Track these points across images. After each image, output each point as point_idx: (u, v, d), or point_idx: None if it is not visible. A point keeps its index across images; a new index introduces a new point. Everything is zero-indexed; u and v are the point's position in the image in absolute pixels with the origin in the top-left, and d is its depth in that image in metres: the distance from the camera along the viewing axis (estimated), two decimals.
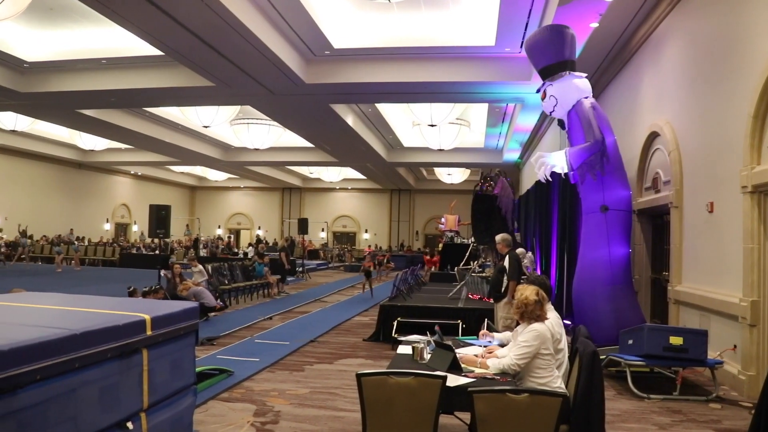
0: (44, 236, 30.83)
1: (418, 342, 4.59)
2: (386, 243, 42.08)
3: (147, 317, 4.21)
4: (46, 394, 3.33)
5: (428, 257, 25.69)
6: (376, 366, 7.18)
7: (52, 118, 22.52)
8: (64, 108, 20.03)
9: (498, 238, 8.67)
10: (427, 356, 4.47)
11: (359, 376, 3.19)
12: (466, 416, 4.99)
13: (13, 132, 24.73)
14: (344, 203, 44.28)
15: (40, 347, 3.25)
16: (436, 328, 5.24)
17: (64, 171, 33.82)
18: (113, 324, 3.89)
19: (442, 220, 25.38)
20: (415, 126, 23.44)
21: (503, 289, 8.25)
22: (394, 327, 9.65)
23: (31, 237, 29.67)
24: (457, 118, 21.34)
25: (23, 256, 27.49)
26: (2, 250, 28.47)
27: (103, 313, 4.24)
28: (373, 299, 15.94)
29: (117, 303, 5.01)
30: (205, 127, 21.77)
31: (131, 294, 9.61)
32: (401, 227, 43.14)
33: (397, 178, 36.74)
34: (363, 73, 15.43)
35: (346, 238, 44.06)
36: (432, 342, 4.81)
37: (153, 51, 14.67)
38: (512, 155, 25.64)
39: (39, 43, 16.11)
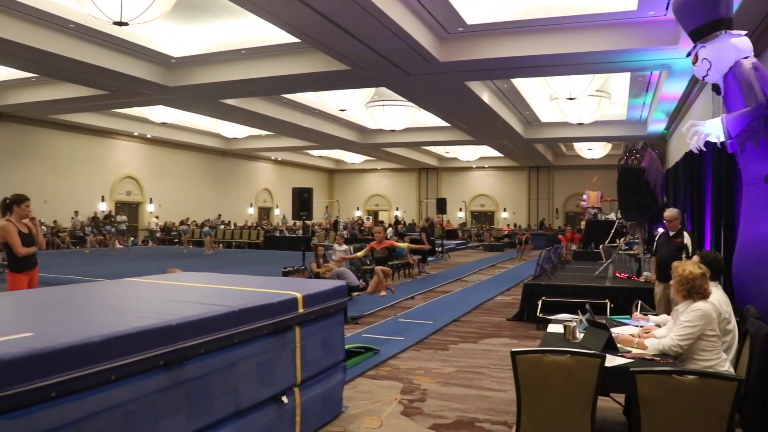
0: (194, 221, 32.66)
1: (569, 321, 4.42)
2: (525, 222, 41.34)
3: (299, 295, 4.32)
4: (209, 367, 3.49)
5: (561, 236, 24.96)
6: (521, 345, 7.03)
7: (198, 108, 23.68)
8: (208, 99, 20.99)
9: (670, 213, 8.06)
10: (579, 335, 4.31)
11: (514, 354, 3.10)
12: (621, 398, 4.81)
13: (164, 124, 26.33)
14: (481, 182, 43.85)
15: (203, 323, 3.40)
16: (587, 306, 5.03)
17: (209, 159, 35.65)
18: (268, 302, 4.02)
19: (584, 196, 24.49)
20: (552, 100, 22.75)
21: None
22: (539, 306, 9.42)
23: (190, 224, 31.50)
24: (597, 90, 20.47)
25: (186, 241, 29.08)
26: (158, 234, 30.47)
27: (258, 292, 4.39)
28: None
29: (268, 282, 5.18)
30: (342, 110, 22.14)
31: (286, 274, 9.94)
32: (540, 205, 42.19)
33: (535, 155, 35.89)
34: (498, 48, 15.10)
35: (484, 218, 43.68)
36: (584, 321, 4.63)
37: (289, 38, 15.06)
38: (657, 126, 24.31)
39: (184, 39, 16.95)
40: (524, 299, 10.00)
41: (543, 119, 27.09)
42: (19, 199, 6.76)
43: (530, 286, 10.02)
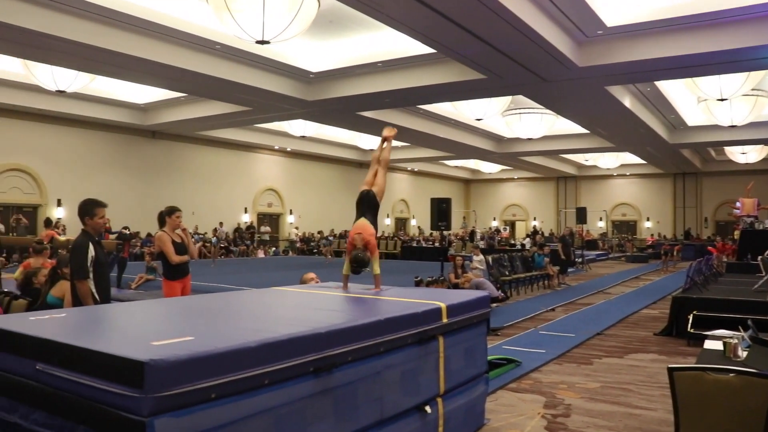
0: (332, 230, 33.49)
1: (729, 337, 4.13)
2: (670, 231, 39.34)
3: (443, 305, 4.32)
4: (356, 375, 3.55)
5: (712, 247, 23.51)
6: (671, 362, 6.69)
7: (335, 121, 24.29)
8: (345, 111, 21.48)
9: None
10: (742, 354, 4.01)
11: (671, 370, 2.93)
12: None
13: (303, 138, 27.27)
14: (623, 190, 42.18)
15: (351, 331, 3.47)
16: (749, 322, 4.70)
17: (346, 171, 36.48)
18: (413, 311, 4.04)
19: (738, 204, 23.03)
20: (701, 102, 21.48)
21: None
22: (690, 321, 8.89)
23: (329, 235, 32.37)
24: (752, 89, 19.15)
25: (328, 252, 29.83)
26: (298, 245, 31.49)
27: (402, 301, 4.43)
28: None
29: (412, 292, 5.22)
30: (478, 120, 22.04)
31: (417, 284, 10.02)
32: (687, 214, 39.97)
33: (681, 161, 34.07)
34: (640, 50, 14.46)
35: (626, 227, 41.99)
36: (746, 338, 4.32)
37: (425, 49, 15.17)
38: None
39: (321, 54, 17.46)
40: (673, 313, 9.48)
41: (690, 123, 25.69)
42: (171, 211, 7.19)
43: (680, 300, 9.49)
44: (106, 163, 24.94)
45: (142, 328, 3.70)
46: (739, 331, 4.62)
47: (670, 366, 2.97)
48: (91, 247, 5.12)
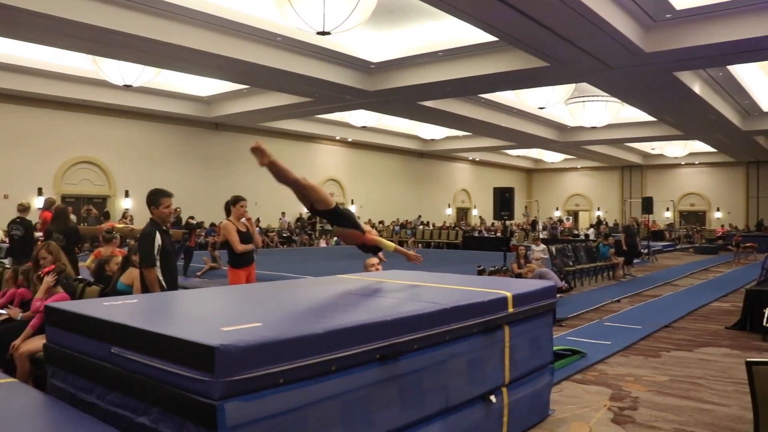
0: (393, 222, 33.59)
1: None
2: (742, 222, 38.03)
3: (509, 294, 4.28)
4: (421, 363, 3.56)
5: None
6: (744, 357, 6.45)
7: (396, 111, 24.28)
8: (406, 101, 21.46)
9: None
10: None
11: (750, 364, 2.81)
12: None
13: (363, 128, 27.38)
14: (691, 180, 40.97)
15: (417, 319, 3.47)
16: None
17: (407, 161, 36.49)
18: (478, 300, 4.02)
19: None
20: None
21: None
22: (766, 315, 8.56)
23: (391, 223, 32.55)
24: None
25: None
26: None
27: (468, 290, 4.40)
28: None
29: (477, 281, 5.19)
30: (540, 108, 21.74)
31: (480, 273, 9.97)
32: (761, 204, 38.52)
33: (755, 148, 32.78)
34: (712, 33, 13.94)
35: (694, 218, 40.80)
36: None
37: (486, 38, 15.03)
38: None
39: (382, 44, 17.46)
40: (747, 307, 9.13)
41: (765, 107, 24.72)
42: (236, 200, 7.31)
43: (754, 293, 9.16)
44: (171, 155, 25.57)
45: (210, 313, 3.79)
46: None
47: (748, 360, 2.86)
48: (157, 235, 5.24)
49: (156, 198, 5.35)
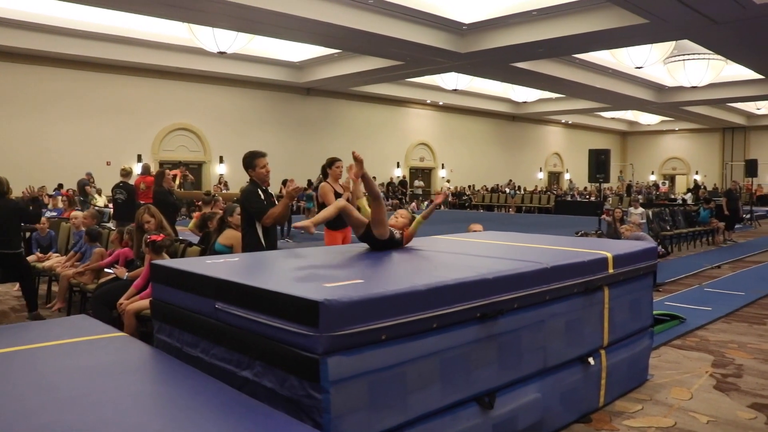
0: (484, 186, 33.33)
1: None
2: None
3: (609, 255, 4.19)
4: (521, 322, 3.55)
5: None
6: None
7: (488, 74, 23.96)
8: (498, 63, 21.12)
9: None
10: None
11: None
12: None
13: (455, 91, 27.10)
14: None
15: (517, 278, 3.45)
16: None
17: (498, 124, 35.98)
18: (579, 260, 3.96)
19: None
20: None
21: None
22: None
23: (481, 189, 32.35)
24: None
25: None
26: (450, 199, 31.63)
27: (567, 250, 4.34)
28: None
29: (576, 242, 5.11)
30: (638, 68, 20.98)
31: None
32: None
33: None
34: None
35: None
36: None
37: None
38: None
39: (474, 4, 17.19)
40: None
41: None
42: (332, 162, 7.36)
43: None
44: (264, 120, 26.12)
45: (312, 271, 3.87)
46: None
47: None
48: (260, 193, 5.37)
49: (251, 160, 5.46)
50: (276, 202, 5.55)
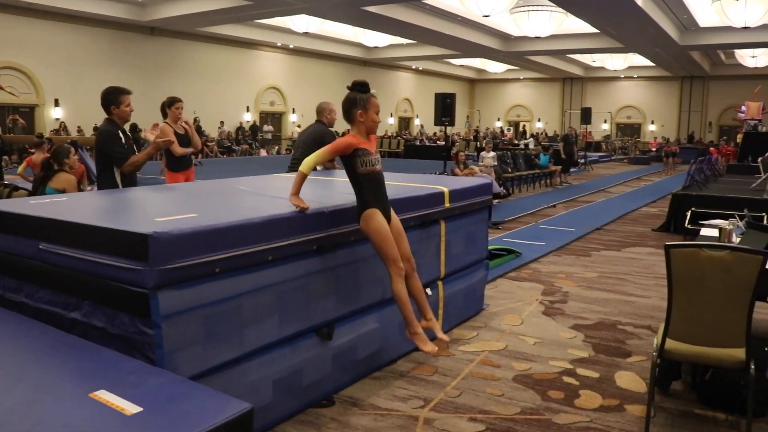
0: (336, 131, 33.33)
1: (725, 225, 4.17)
2: (674, 135, 39.02)
3: (445, 190, 4.34)
4: (358, 255, 3.62)
5: (714, 149, 23.43)
6: None
7: (339, 17, 23.66)
8: (349, 6, 20.82)
9: None
10: (736, 240, 4.05)
11: (668, 247, 2.97)
12: None
13: (306, 34, 26.64)
14: (629, 93, 41.56)
15: (354, 211, 3.49)
16: (745, 210, 4.76)
17: (350, 69, 35.83)
18: (416, 194, 4.07)
19: (743, 108, 22.80)
20: (715, 2, 20.86)
21: None
22: (688, 217, 8.98)
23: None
24: None
25: None
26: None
27: (405, 186, 4.45)
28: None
29: (416, 178, 5.25)
30: (485, 16, 21.51)
31: None
32: (692, 118, 39.51)
33: (690, 64, 33.42)
34: None
35: (630, 130, 41.65)
36: (741, 226, 4.37)
37: None
38: None
39: None
40: (672, 210, 9.62)
41: (702, 23, 25.00)
42: (172, 102, 7.06)
43: (679, 197, 9.59)
44: (105, 62, 24.37)
45: (145, 208, 3.74)
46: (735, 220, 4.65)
47: (667, 243, 3.02)
48: (121, 135, 5.05)
49: (115, 97, 5.04)
50: (134, 145, 5.23)
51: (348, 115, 3.39)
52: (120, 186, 4.95)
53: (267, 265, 3.04)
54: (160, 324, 2.58)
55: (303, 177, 3.26)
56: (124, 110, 5.06)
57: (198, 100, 26.43)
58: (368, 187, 3.34)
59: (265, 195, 4.01)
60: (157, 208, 3.63)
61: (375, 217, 3.30)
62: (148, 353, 2.60)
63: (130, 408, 1.99)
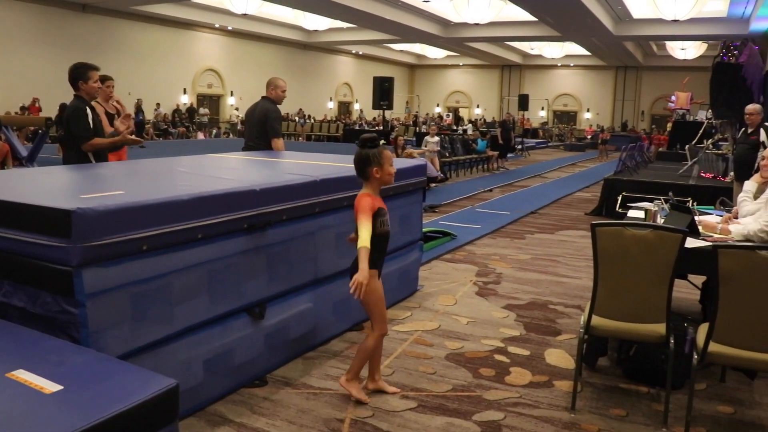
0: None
1: (650, 207, 4.32)
2: (608, 123, 39.97)
3: None
4: (290, 234, 3.59)
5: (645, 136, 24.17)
6: None
7: None
8: None
9: (752, 107, 7.72)
10: (660, 221, 4.20)
11: (594, 226, 3.07)
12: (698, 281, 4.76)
13: (244, 16, 26.21)
14: (566, 81, 42.42)
15: (286, 190, 3.48)
16: (670, 193, 4.92)
17: (290, 52, 35.47)
18: (349, 174, 4.05)
19: (672, 98, 23.45)
20: None
21: (756, 167, 7.39)
22: (618, 201, 9.26)
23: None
24: None
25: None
26: (239, 128, 31.02)
27: (340, 165, 4.44)
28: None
29: (348, 158, 5.22)
30: (425, 1, 21.56)
31: None
32: (626, 107, 40.63)
33: (624, 54, 34.30)
34: None
35: (566, 117, 42.49)
36: (665, 207, 4.51)
37: None
38: (761, 25, 22.50)
39: None
40: (604, 194, 9.91)
41: (635, 15, 25.68)
42: (103, 79, 6.86)
43: (611, 181, 9.87)
44: (32, 40, 23.44)
45: (71, 185, 3.63)
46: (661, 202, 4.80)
47: (593, 222, 3.11)
48: (88, 111, 4.90)
49: (84, 72, 4.91)
50: (102, 122, 5.08)
51: (363, 174, 3.31)
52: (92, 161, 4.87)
53: (196, 243, 2.99)
54: (84, 303, 2.51)
55: (368, 251, 3.11)
56: (92, 86, 4.99)
57: (132, 81, 25.71)
58: (377, 248, 3.29)
59: (197, 173, 3.94)
60: (85, 186, 3.53)
61: (374, 278, 3.28)
62: (73, 333, 2.54)
63: (50, 386, 1.94)
